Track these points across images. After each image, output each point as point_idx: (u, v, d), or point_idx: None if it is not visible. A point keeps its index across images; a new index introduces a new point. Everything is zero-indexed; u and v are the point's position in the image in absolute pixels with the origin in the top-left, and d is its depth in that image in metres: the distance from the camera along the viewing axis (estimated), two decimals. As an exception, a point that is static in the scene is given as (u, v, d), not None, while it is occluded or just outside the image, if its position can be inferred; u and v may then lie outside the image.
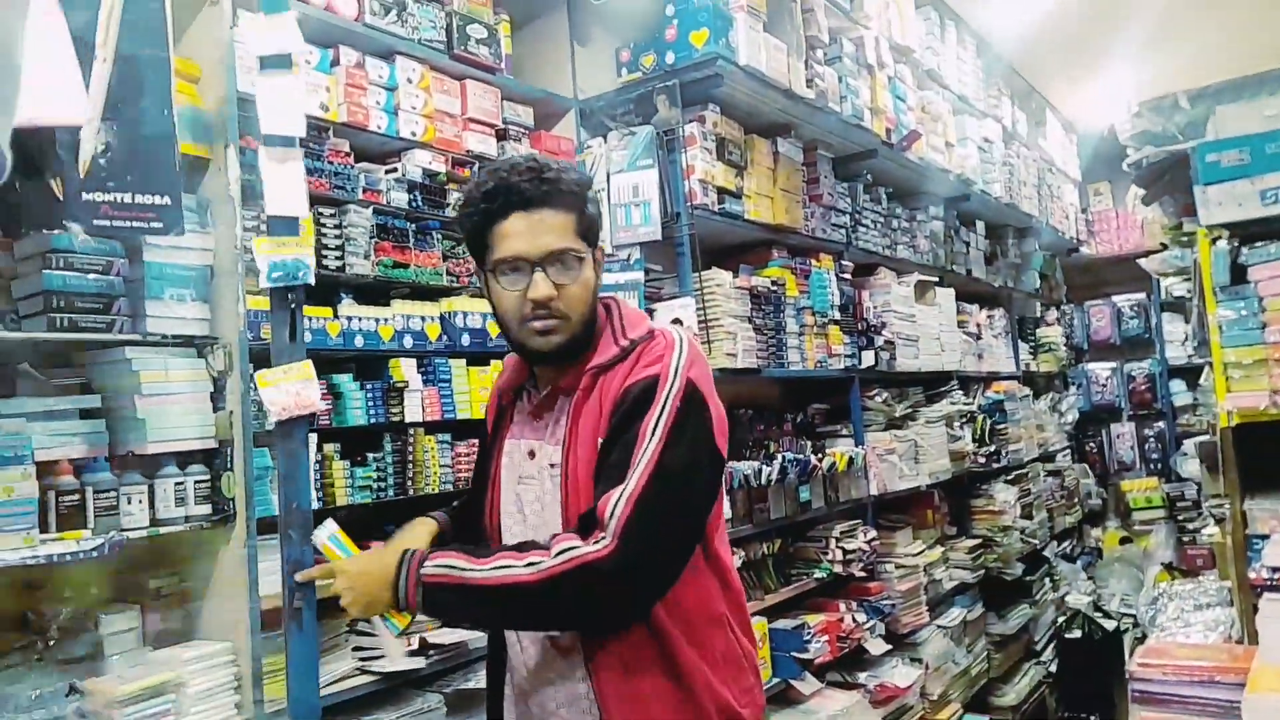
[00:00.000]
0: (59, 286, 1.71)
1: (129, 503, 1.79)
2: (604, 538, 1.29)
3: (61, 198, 1.56)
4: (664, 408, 1.35)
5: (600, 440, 1.39)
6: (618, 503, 1.30)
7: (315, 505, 2.13)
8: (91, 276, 1.76)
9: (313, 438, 2.13)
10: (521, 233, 1.39)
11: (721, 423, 1.43)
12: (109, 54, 1.53)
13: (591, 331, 1.46)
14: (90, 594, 1.90)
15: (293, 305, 1.64)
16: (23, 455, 1.63)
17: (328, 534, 1.53)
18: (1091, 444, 6.94)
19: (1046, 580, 5.28)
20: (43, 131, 1.51)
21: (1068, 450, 6.35)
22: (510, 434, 1.57)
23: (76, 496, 1.71)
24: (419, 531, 1.61)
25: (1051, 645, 5.17)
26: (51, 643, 1.78)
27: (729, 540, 1.59)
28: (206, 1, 1.93)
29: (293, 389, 1.62)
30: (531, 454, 1.51)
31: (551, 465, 1.46)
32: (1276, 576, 2.32)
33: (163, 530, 1.82)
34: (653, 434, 1.33)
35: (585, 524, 1.33)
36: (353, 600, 1.40)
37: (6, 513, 1.59)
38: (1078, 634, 5.10)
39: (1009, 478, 4.89)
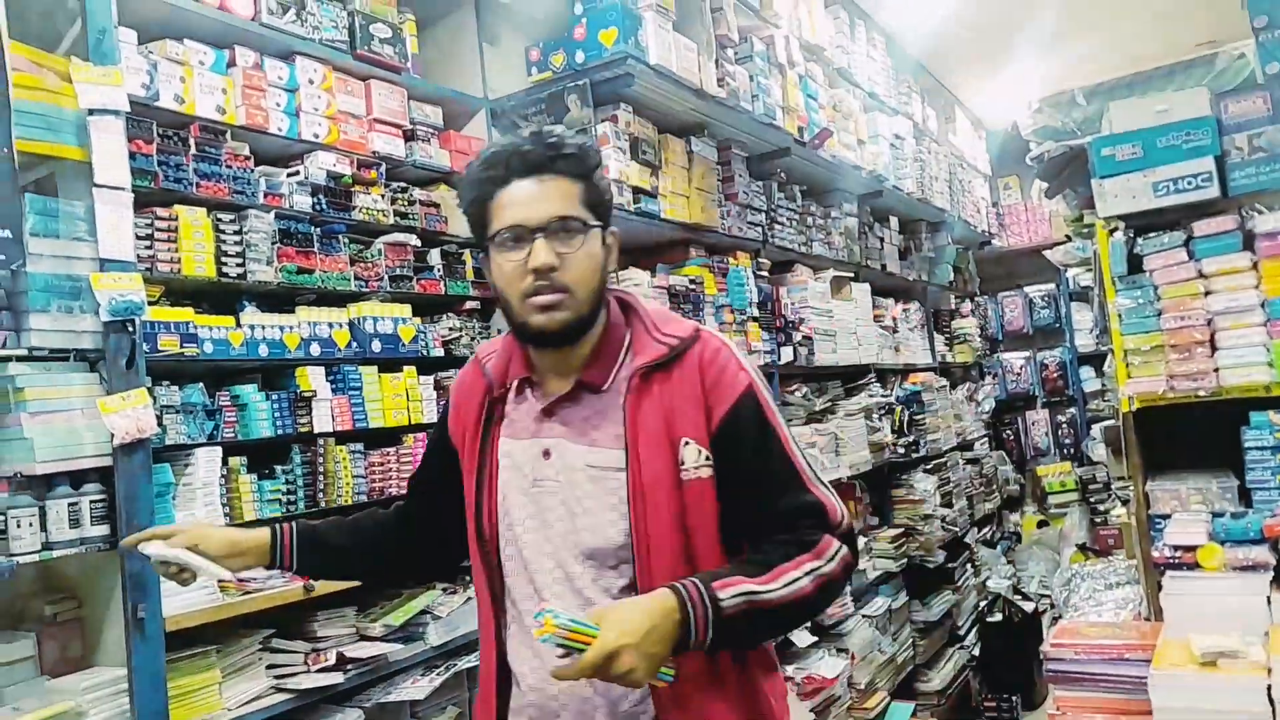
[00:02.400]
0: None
1: (18, 526, 1.70)
2: (841, 536, 1.34)
3: None
4: (774, 410, 1.39)
5: (695, 447, 1.34)
6: (837, 503, 1.36)
7: (222, 521, 2.06)
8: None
9: (217, 451, 2.07)
10: (522, 200, 1.31)
11: None
12: None
13: (597, 316, 1.37)
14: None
15: (131, 335, 1.81)
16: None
17: (566, 618, 1.16)
18: (1008, 431, 7.13)
19: (968, 566, 5.41)
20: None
21: (985, 438, 6.51)
22: (508, 432, 1.43)
23: (-41, 521, 1.63)
24: (252, 540, 1.47)
25: (974, 629, 5.30)
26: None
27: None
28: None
29: (133, 415, 1.77)
30: (547, 454, 1.38)
31: (596, 467, 1.34)
32: (1178, 555, 2.41)
33: (56, 553, 1.73)
34: (785, 437, 1.38)
35: (813, 521, 1.34)
36: (648, 668, 1.17)
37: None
38: (999, 617, 5.24)
39: (928, 467, 4.99)
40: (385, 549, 1.60)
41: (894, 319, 5.06)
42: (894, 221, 5.26)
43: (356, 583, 2.13)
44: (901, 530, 4.57)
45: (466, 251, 2.74)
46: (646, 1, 2.95)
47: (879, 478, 4.65)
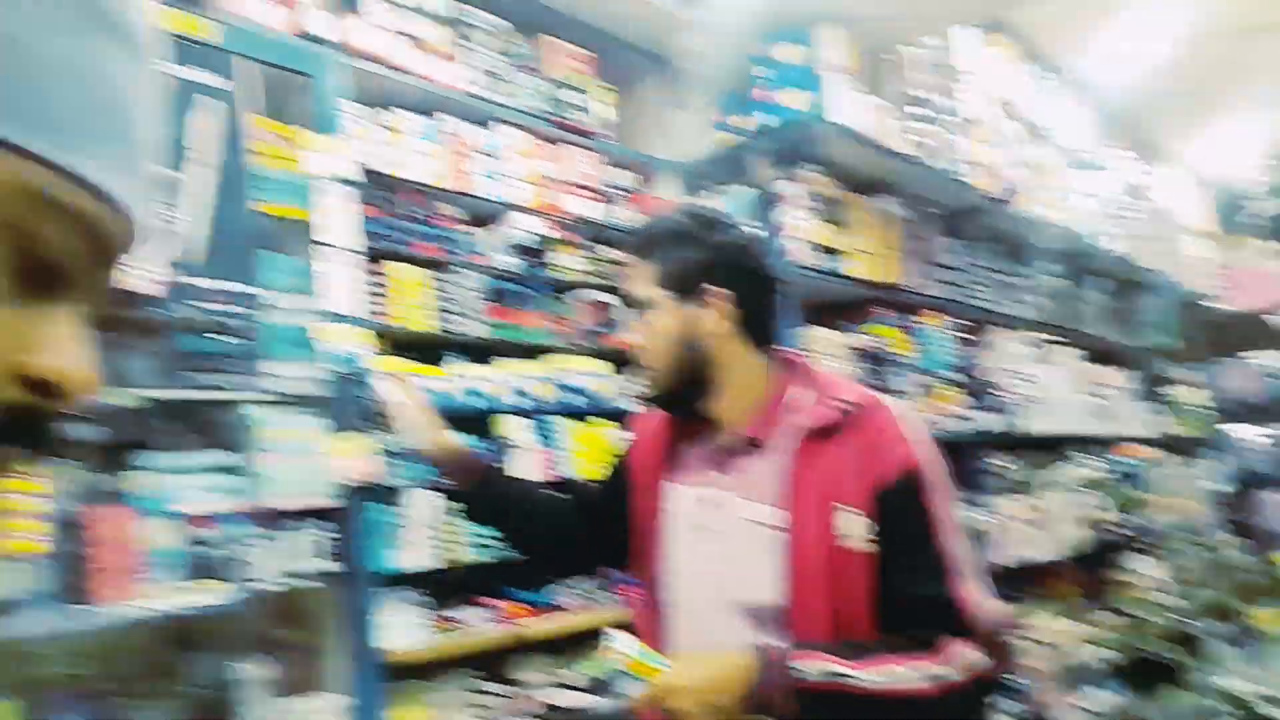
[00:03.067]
0: (194, 349, 1.82)
1: (259, 557, 1.86)
2: (978, 644, 1.25)
3: (178, 282, 1.73)
4: (935, 492, 1.31)
5: (853, 512, 1.31)
6: (983, 604, 1.28)
7: (437, 563, 2.17)
8: (223, 339, 1.87)
9: (433, 495, 2.19)
10: (627, 280, 1.46)
11: None
12: (215, 161, 1.77)
13: (696, 383, 1.40)
14: (226, 644, 1.97)
15: (355, 382, 1.92)
16: (169, 509, 1.73)
17: (635, 648, 1.23)
18: (1243, 512, 6.45)
19: (1199, 661, 4.87)
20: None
21: (1216, 519, 5.92)
22: (678, 477, 1.47)
23: (214, 550, 1.79)
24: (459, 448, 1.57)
25: (1212, 733, 4.74)
26: (192, 690, 1.84)
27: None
28: (312, 74, 2.09)
29: (360, 459, 1.88)
30: (708, 502, 1.41)
31: (754, 522, 1.35)
32: None
33: (294, 583, 1.88)
34: (935, 519, 1.30)
35: (941, 619, 1.27)
36: (703, 715, 1.19)
37: (151, 564, 1.68)
38: (1239, 720, 4.67)
39: (1149, 549, 4.58)
40: (552, 522, 1.62)
41: (1106, 386, 4.74)
42: (1105, 283, 4.98)
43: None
44: (1122, 617, 4.20)
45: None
46: (833, 63, 2.99)
47: (1092, 559, 4.31)
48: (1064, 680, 3.63)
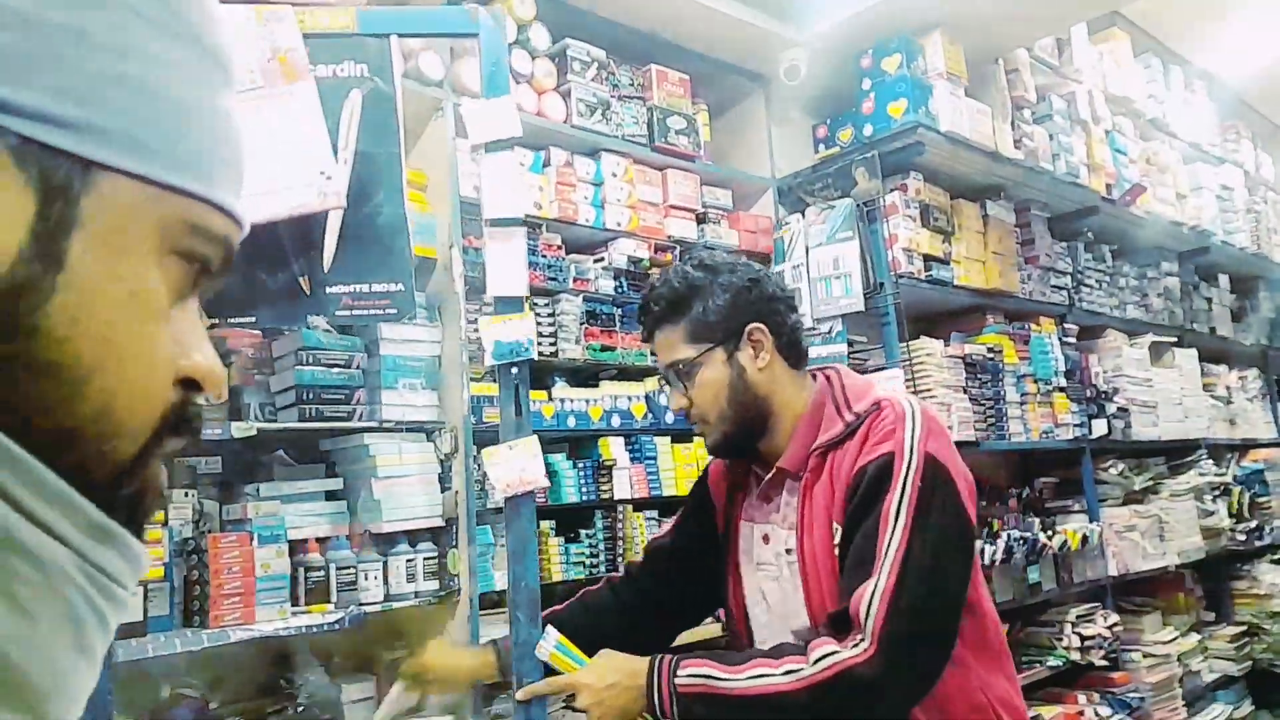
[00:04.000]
0: (309, 381, 1.90)
1: (366, 578, 1.93)
2: (861, 640, 1.23)
3: (308, 292, 1.59)
4: (904, 489, 1.27)
5: (836, 525, 1.34)
6: (872, 601, 1.23)
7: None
8: (335, 371, 1.95)
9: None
10: (658, 356, 1.50)
11: (970, 489, 1.35)
12: (349, 154, 1.61)
13: (754, 423, 1.43)
14: (333, 664, 2.06)
15: (516, 382, 1.60)
16: (278, 534, 1.81)
17: (553, 642, 1.43)
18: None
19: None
20: (291, 224, 1.55)
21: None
22: (744, 516, 1.52)
23: (321, 572, 1.87)
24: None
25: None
26: (300, 708, 1.94)
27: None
28: (434, 114, 2.13)
29: (517, 465, 1.58)
30: (766, 539, 1.46)
31: (787, 551, 1.41)
32: None
33: (395, 605, 1.95)
34: (896, 519, 1.26)
35: (838, 623, 1.27)
36: (603, 714, 1.34)
37: (264, 587, 1.76)
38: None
39: (1276, 557, 4.36)
40: (615, 626, 1.62)
41: (1228, 388, 4.53)
42: (1224, 280, 4.74)
43: None
44: (1243, 628, 4.02)
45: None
46: (937, 70, 2.92)
47: (1215, 568, 4.13)
48: (1180, 693, 3.50)
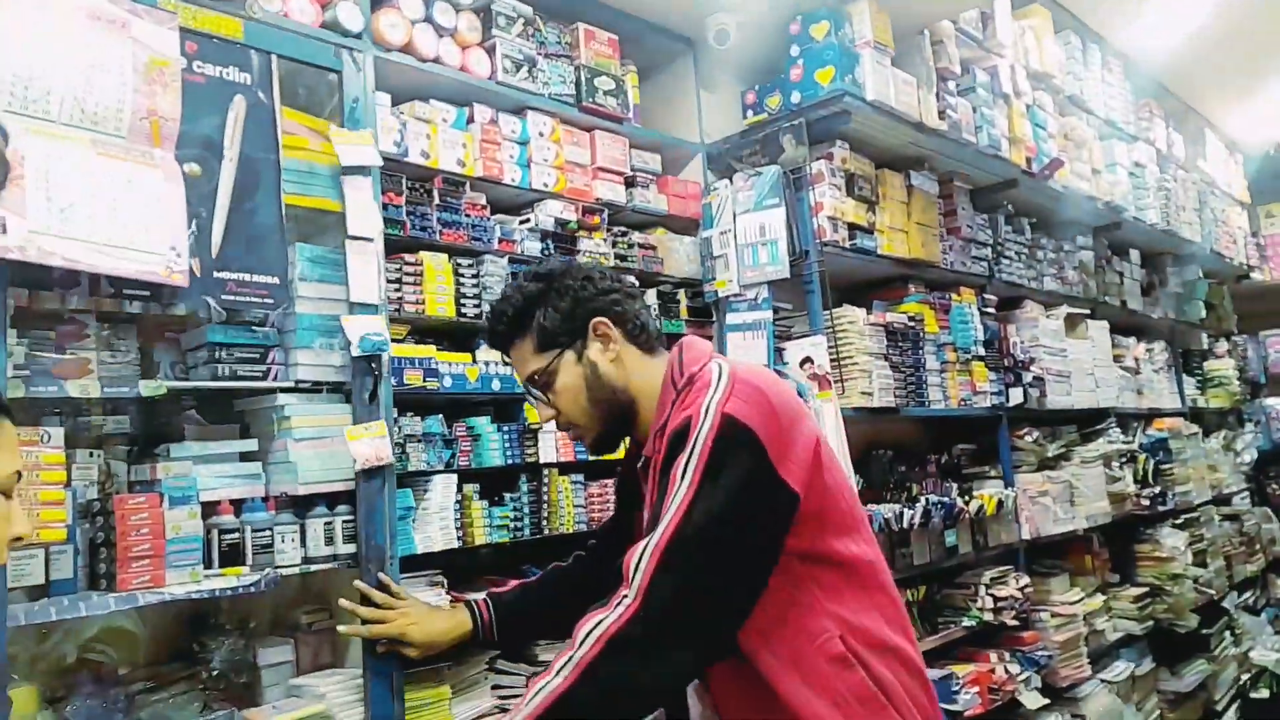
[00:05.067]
0: (222, 339, 1.84)
1: (283, 541, 1.88)
2: (626, 596, 1.21)
3: (199, 274, 1.73)
4: (694, 450, 1.25)
5: None
6: (643, 555, 1.22)
7: (455, 544, 2.19)
8: (250, 329, 1.89)
9: (453, 478, 2.21)
10: (515, 371, 1.60)
11: (807, 451, 1.31)
12: (234, 155, 1.79)
13: (620, 414, 1.48)
14: (249, 628, 2.01)
15: (375, 372, 1.93)
16: (189, 495, 1.75)
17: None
18: (1274, 485, 6.39)
19: (1227, 634, 4.87)
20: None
21: (1246, 492, 5.87)
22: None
23: (236, 535, 1.82)
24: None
25: (1234, 705, 4.75)
26: (214, 673, 1.89)
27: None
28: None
29: (373, 444, 1.89)
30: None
31: None
32: None
33: (313, 567, 1.90)
34: (682, 479, 1.25)
35: (610, 584, 1.26)
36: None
37: (175, 550, 1.70)
38: (1265, 694, 4.68)
39: (1177, 521, 4.56)
40: (575, 601, 1.61)
41: (1136, 359, 4.69)
42: (1135, 255, 4.90)
43: None
44: (1146, 589, 4.20)
45: (682, 291, 2.81)
46: (864, 39, 2.93)
47: (1120, 532, 4.30)
48: (1086, 651, 3.64)
